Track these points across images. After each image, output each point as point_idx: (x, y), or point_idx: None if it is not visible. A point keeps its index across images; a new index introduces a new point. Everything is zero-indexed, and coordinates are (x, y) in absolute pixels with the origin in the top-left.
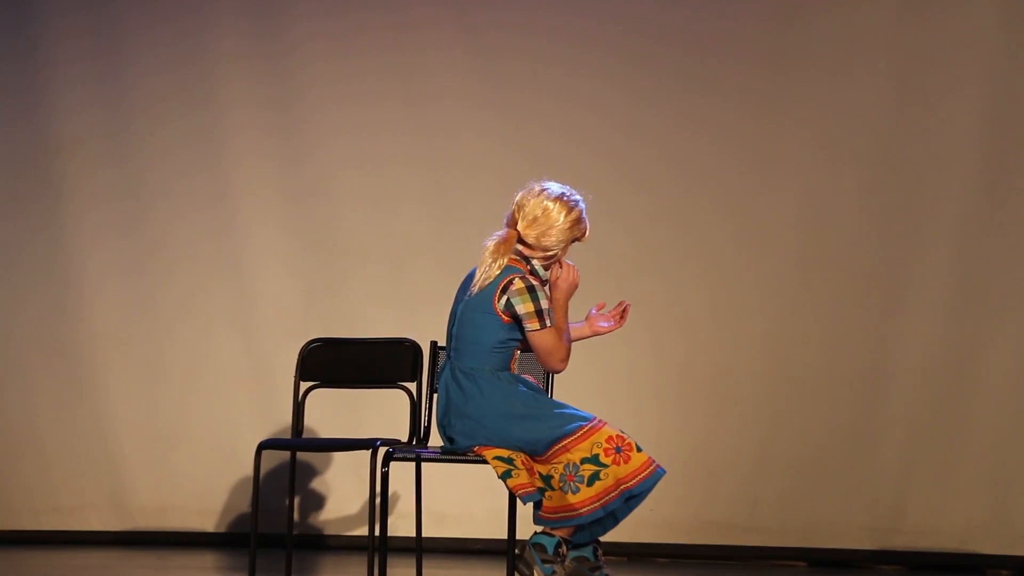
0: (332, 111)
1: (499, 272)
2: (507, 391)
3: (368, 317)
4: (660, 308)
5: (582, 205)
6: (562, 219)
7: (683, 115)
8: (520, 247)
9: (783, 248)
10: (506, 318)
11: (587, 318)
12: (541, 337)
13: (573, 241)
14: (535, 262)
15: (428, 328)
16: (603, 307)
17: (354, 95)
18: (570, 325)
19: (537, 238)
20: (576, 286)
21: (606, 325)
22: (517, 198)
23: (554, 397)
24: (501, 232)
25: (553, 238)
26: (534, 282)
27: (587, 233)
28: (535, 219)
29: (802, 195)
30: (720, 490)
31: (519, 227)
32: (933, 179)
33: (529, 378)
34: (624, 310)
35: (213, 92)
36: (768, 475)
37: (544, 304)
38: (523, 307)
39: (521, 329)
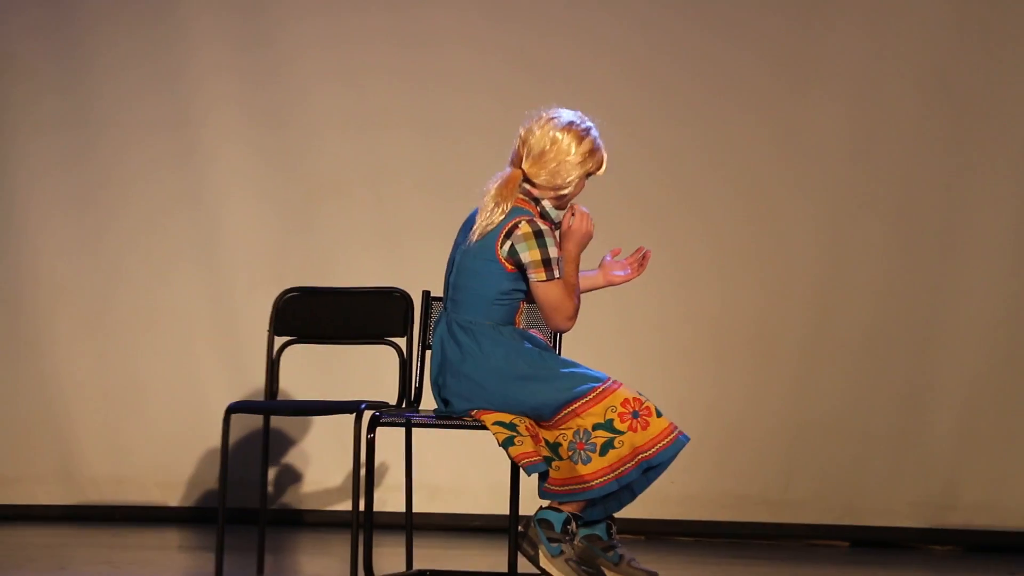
0: (307, 19)
1: (503, 217)
2: (510, 348)
3: (352, 262)
4: (692, 252)
5: (595, 133)
6: (573, 151)
7: (720, 22)
8: (528, 187)
9: (836, 184)
10: (510, 266)
11: (600, 266)
12: (547, 290)
13: (588, 176)
14: (546, 203)
15: (421, 276)
16: (619, 253)
17: (332, 0)
18: (581, 275)
19: (546, 176)
20: (590, 236)
21: (622, 274)
22: (521, 132)
23: (563, 356)
24: (504, 172)
25: (564, 175)
26: (543, 226)
27: (604, 165)
28: (542, 154)
29: (856, 121)
30: (752, 460)
31: (524, 165)
32: (999, 105)
33: (536, 334)
34: (644, 257)
35: (170, 1)
36: (807, 443)
37: (553, 252)
38: (529, 255)
39: (526, 279)
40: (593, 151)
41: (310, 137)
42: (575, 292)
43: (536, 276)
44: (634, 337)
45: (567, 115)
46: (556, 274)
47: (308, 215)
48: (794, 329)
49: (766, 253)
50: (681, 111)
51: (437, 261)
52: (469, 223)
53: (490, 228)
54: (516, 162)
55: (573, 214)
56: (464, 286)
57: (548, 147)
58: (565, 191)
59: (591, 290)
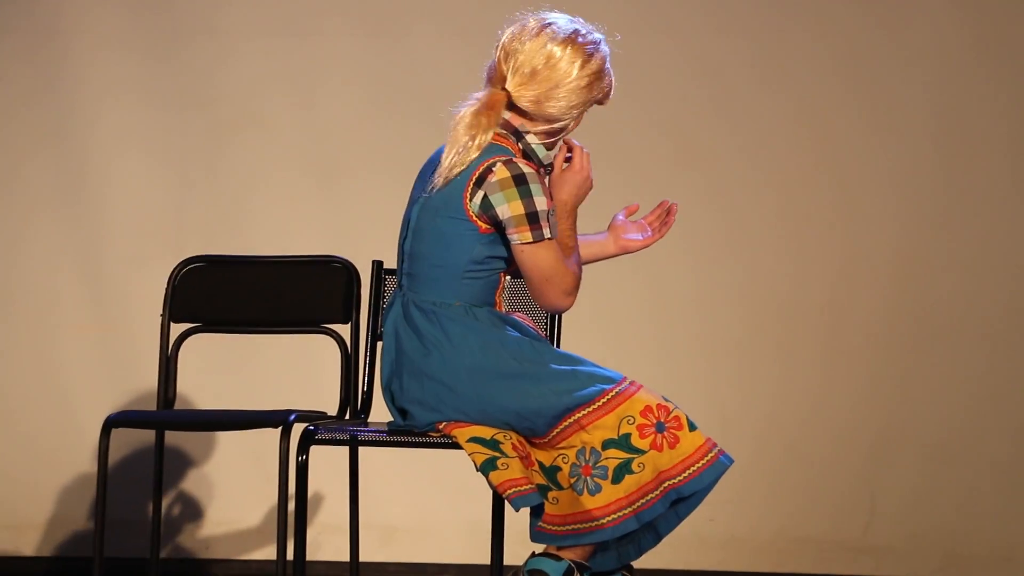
0: None
1: (477, 155)
2: (488, 337)
3: (276, 222)
4: (748, 212)
5: (605, 49)
6: (575, 72)
7: None
8: (510, 116)
9: (923, 141)
10: (484, 225)
11: (610, 227)
12: (535, 254)
13: (592, 105)
14: (531, 138)
15: (371, 242)
16: (635, 211)
17: None
18: (582, 239)
19: (537, 102)
20: (590, 183)
21: (639, 237)
22: (503, 39)
23: (561, 347)
24: (480, 94)
25: (562, 101)
26: (526, 168)
27: (612, 92)
28: (534, 73)
29: (943, 93)
30: (818, 490)
31: (509, 85)
32: None
33: (522, 319)
34: (668, 212)
35: None
36: (891, 468)
37: (542, 202)
38: (508, 207)
39: (506, 242)
40: (601, 73)
41: (219, 61)
42: (573, 257)
43: (519, 236)
44: (662, 324)
45: (566, 23)
46: (547, 233)
47: (214, 157)
48: (878, 316)
49: (843, 220)
50: (730, 25)
51: (389, 224)
52: (430, 167)
53: (458, 170)
54: (497, 80)
55: (569, 152)
56: (424, 254)
57: (542, 64)
58: (561, 123)
59: (599, 259)
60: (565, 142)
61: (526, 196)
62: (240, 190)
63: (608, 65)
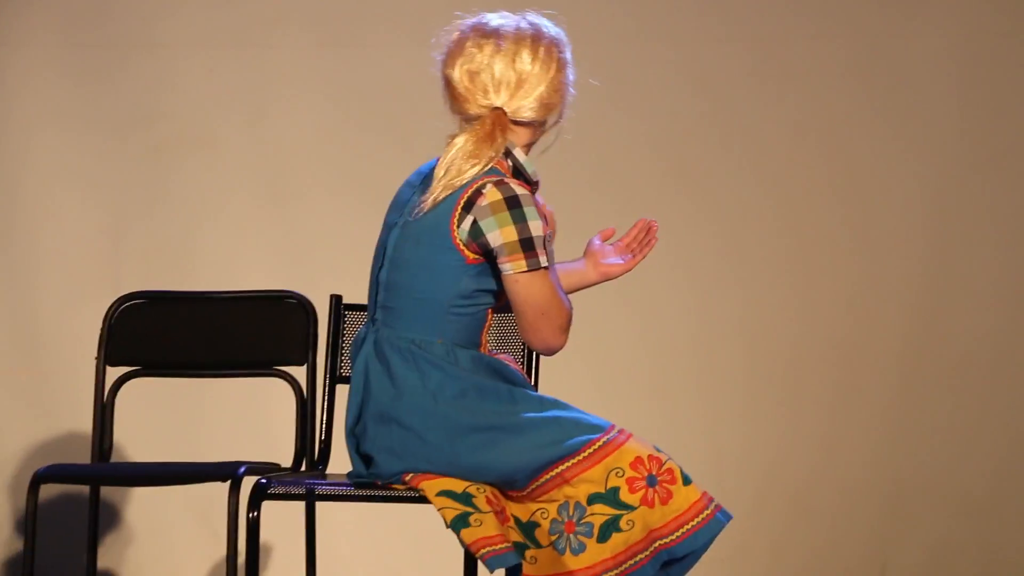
0: None
1: (472, 175)
2: (468, 384)
3: (225, 255)
4: (750, 233)
5: (550, 31)
6: (553, 65)
7: None
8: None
9: (947, 158)
10: (472, 255)
11: (587, 253)
12: (531, 286)
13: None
14: (518, 153)
15: (327, 275)
16: (612, 234)
17: None
18: (561, 267)
19: (540, 106)
20: (552, 231)
21: (619, 261)
22: (456, 73)
23: (541, 391)
24: (471, 124)
25: (555, 98)
26: (520, 189)
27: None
28: (521, 80)
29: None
30: (825, 548)
31: (499, 102)
32: None
33: (508, 361)
34: (649, 231)
35: None
36: (907, 524)
37: (537, 228)
38: (500, 233)
39: (495, 274)
40: (565, 55)
41: (157, 64)
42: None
43: (513, 265)
44: (654, 362)
45: (506, 21)
46: (542, 261)
47: (154, 183)
48: (895, 353)
49: (856, 244)
50: (728, 31)
51: (353, 250)
52: (408, 190)
53: (447, 193)
54: (476, 105)
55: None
56: (403, 286)
57: (526, 68)
58: (541, 119)
59: (579, 289)
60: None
61: (520, 220)
62: (184, 218)
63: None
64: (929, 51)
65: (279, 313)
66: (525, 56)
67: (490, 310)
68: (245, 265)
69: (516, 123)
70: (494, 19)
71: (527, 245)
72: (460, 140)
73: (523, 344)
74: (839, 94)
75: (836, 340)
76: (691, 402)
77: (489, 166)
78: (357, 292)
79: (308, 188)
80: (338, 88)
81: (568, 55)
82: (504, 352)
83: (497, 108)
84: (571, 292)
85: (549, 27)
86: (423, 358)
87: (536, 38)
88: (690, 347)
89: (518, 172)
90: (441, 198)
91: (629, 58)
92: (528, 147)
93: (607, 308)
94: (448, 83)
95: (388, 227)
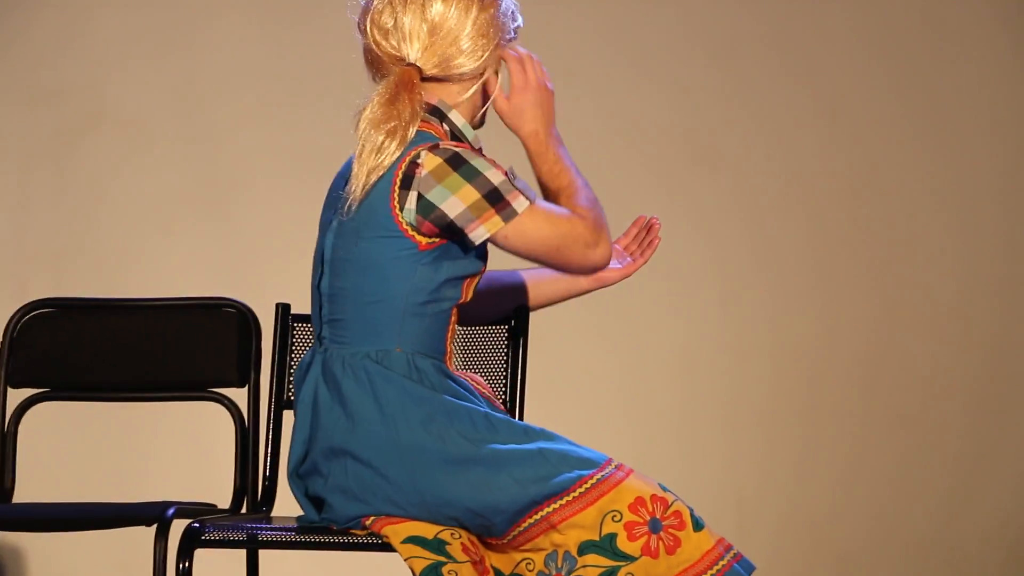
0: None
1: (399, 152)
2: (434, 409)
3: (150, 257)
4: (764, 243)
5: None
6: (474, 8)
7: None
8: (425, 93)
9: (975, 133)
10: (424, 238)
11: None
12: (524, 233)
13: (508, 43)
14: (456, 116)
15: (271, 280)
16: None
17: None
18: (546, 274)
19: (446, 60)
20: (548, 91)
21: (616, 266)
22: (370, 19)
23: (527, 421)
24: (382, 84)
25: (471, 49)
26: (457, 147)
27: (518, 25)
28: (433, 29)
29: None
30: None
31: (411, 58)
32: None
33: (474, 382)
34: (650, 230)
35: None
36: (942, 564)
37: (495, 174)
38: (456, 199)
39: (455, 256)
40: (499, 6)
41: (66, 26)
42: (581, 196)
43: (488, 226)
44: (655, 386)
45: None
46: (522, 201)
47: (64, 167)
48: (927, 374)
49: (885, 256)
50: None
51: (305, 255)
52: (341, 182)
53: (377, 175)
54: (391, 62)
55: (510, 63)
56: (348, 292)
57: (438, 17)
58: (476, 75)
59: (569, 297)
60: (505, 54)
61: (472, 176)
62: (100, 211)
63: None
64: (966, 43)
65: (215, 325)
66: (437, 14)
67: (454, 309)
68: (174, 267)
69: (440, 79)
70: None
71: (493, 197)
72: (366, 110)
73: (504, 362)
74: (867, 91)
75: (859, 358)
76: (704, 431)
77: (415, 128)
78: (308, 300)
79: (249, 177)
80: (275, 68)
81: (487, 9)
82: (470, 372)
83: (413, 66)
84: (560, 301)
85: None
86: (380, 376)
87: None
88: (683, 371)
89: (456, 137)
90: (371, 182)
91: (654, 47)
92: (474, 109)
93: (602, 321)
94: (365, 52)
95: (323, 228)
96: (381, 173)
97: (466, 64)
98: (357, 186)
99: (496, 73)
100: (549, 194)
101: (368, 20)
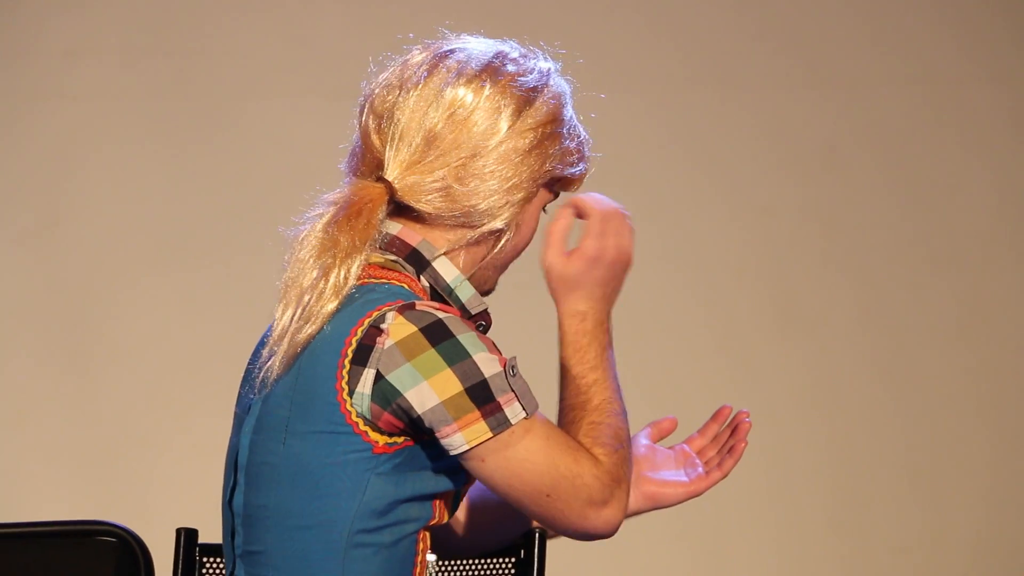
0: None
1: (338, 305)
2: None
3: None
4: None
5: (559, 84)
6: (504, 125)
7: None
8: (400, 227)
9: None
10: (382, 438)
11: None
12: (509, 459)
13: (553, 187)
14: (443, 264)
15: (173, 498)
16: (672, 428)
17: None
18: None
19: (447, 190)
20: (627, 265)
21: (681, 480)
22: (373, 94)
23: None
24: (336, 193)
25: (491, 180)
26: (441, 311)
27: (588, 166)
28: (431, 139)
29: None
30: None
31: (389, 170)
32: None
33: None
34: (736, 430)
35: None
36: None
37: (489, 362)
38: (428, 387)
39: (423, 464)
40: (557, 122)
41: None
42: (611, 419)
43: (467, 435)
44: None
45: (481, 48)
46: (517, 410)
47: None
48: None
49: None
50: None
51: (216, 457)
52: (267, 351)
53: (310, 333)
54: (367, 165)
55: (586, 214)
56: (271, 513)
57: (443, 121)
58: (491, 225)
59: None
60: (571, 202)
61: (456, 357)
62: None
63: (570, 112)
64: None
65: (88, 559)
66: (453, 103)
67: (421, 533)
68: (32, 481)
69: (410, 214)
70: (474, 43)
71: (480, 394)
72: (308, 228)
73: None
74: (901, 105)
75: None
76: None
77: (357, 269)
78: (219, 523)
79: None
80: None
81: (540, 120)
82: None
83: (382, 180)
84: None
85: (532, 73)
86: None
87: (484, 80)
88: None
89: (438, 295)
90: (301, 341)
91: (671, 73)
92: (478, 258)
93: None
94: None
95: (238, 420)
96: (314, 331)
97: (481, 202)
98: (279, 353)
99: (527, 233)
100: (564, 406)
101: (383, 87)
